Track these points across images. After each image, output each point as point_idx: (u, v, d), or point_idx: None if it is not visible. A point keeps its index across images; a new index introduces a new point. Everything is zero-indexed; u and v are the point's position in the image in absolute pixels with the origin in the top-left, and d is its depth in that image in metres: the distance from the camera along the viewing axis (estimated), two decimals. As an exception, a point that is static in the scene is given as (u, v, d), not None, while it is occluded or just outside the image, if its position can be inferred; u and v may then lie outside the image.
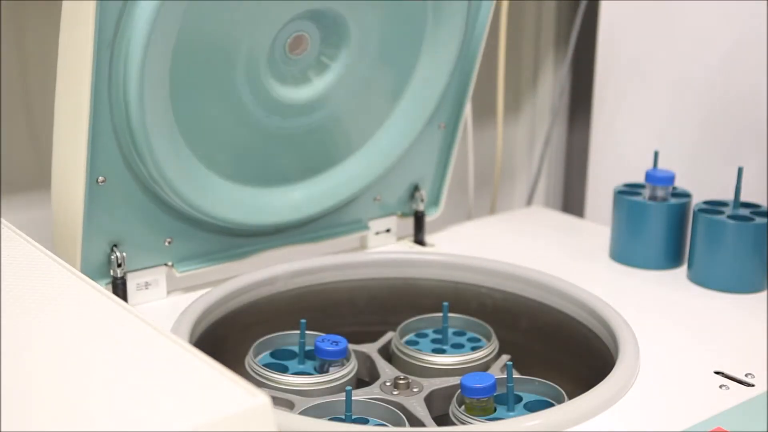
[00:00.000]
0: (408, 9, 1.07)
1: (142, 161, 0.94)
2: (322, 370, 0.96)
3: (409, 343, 1.04)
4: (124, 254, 0.98)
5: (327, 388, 0.94)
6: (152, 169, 0.95)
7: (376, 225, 1.20)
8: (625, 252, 1.14)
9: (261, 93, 1.01)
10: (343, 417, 0.88)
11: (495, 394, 0.89)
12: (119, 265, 0.98)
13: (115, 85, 0.90)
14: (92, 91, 0.89)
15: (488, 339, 1.04)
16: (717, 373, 0.88)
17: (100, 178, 0.94)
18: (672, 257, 1.13)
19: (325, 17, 1.02)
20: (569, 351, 1.05)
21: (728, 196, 1.10)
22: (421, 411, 0.91)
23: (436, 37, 1.09)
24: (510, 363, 0.90)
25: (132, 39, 0.88)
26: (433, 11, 1.08)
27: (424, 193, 1.21)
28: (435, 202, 1.24)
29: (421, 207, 1.21)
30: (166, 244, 1.02)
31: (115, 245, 0.98)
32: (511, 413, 0.89)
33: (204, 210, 1.01)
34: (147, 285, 1.02)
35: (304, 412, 0.88)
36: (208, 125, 0.99)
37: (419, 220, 1.22)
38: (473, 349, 1.03)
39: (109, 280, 0.99)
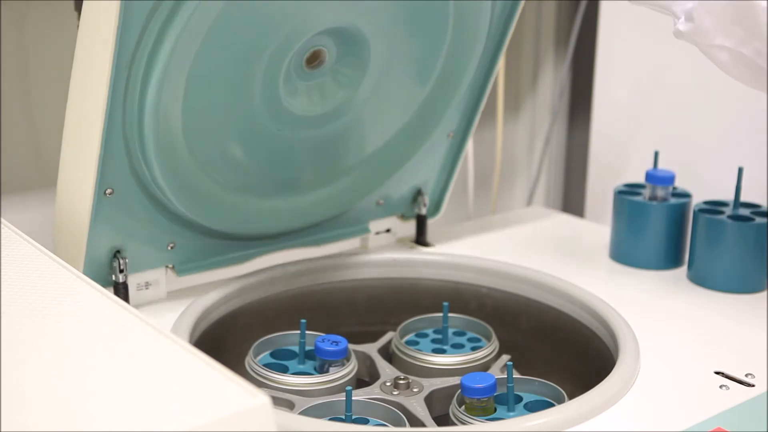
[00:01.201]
0: (429, 27, 1.05)
1: (151, 174, 0.93)
2: (322, 370, 0.96)
3: (409, 343, 1.04)
4: (126, 260, 0.98)
5: (327, 388, 0.94)
6: (160, 181, 0.94)
7: (377, 225, 1.19)
8: (625, 252, 1.14)
9: (275, 107, 0.99)
10: (343, 417, 0.88)
11: (495, 394, 0.89)
12: (121, 271, 0.98)
13: (130, 100, 0.89)
14: (107, 111, 0.87)
15: (488, 339, 1.04)
16: (717, 373, 0.88)
17: (108, 190, 0.93)
18: (672, 257, 1.13)
19: (345, 34, 0.99)
20: (569, 351, 1.06)
21: (728, 196, 1.10)
22: (421, 411, 0.91)
23: (454, 53, 1.08)
24: (510, 363, 0.90)
25: (153, 60, 0.86)
26: (453, 30, 1.06)
27: (426, 198, 1.21)
28: (436, 206, 1.23)
29: (423, 211, 1.21)
30: (169, 248, 1.02)
31: (118, 251, 0.98)
32: (511, 413, 0.89)
33: (212, 222, 1.01)
34: (147, 285, 1.02)
35: (304, 412, 0.88)
36: (219, 139, 0.98)
37: (421, 223, 1.21)
38: (473, 349, 1.03)
39: (111, 285, 0.98)
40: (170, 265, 1.03)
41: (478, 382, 0.88)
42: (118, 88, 0.87)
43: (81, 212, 0.93)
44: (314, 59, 1.00)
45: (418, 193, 1.20)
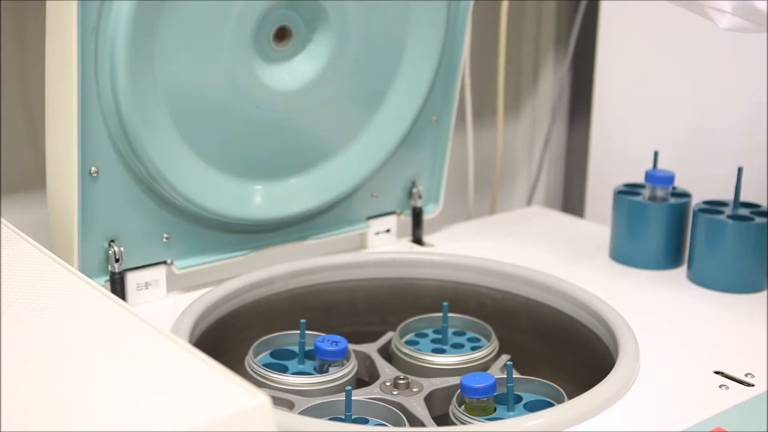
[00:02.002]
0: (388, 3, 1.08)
1: (134, 151, 0.94)
2: (322, 370, 0.96)
3: (409, 343, 1.04)
4: (122, 249, 0.98)
5: (327, 388, 0.94)
6: (144, 159, 0.95)
7: (376, 225, 1.20)
8: (625, 252, 1.14)
9: (249, 83, 1.01)
10: (343, 417, 0.88)
11: (495, 394, 0.89)
12: (117, 260, 0.98)
13: (101, 74, 0.91)
14: (79, 80, 0.89)
15: (488, 339, 1.04)
16: (717, 372, 0.88)
17: (93, 169, 0.94)
18: (672, 257, 1.13)
19: (302, 6, 1.02)
20: (569, 351, 1.05)
21: (728, 196, 1.10)
22: (421, 411, 0.91)
23: (419, 28, 1.10)
24: (510, 363, 0.90)
25: (117, 24, 0.89)
26: (413, 7, 1.08)
27: (421, 189, 1.21)
28: (434, 197, 1.23)
29: (418, 203, 1.21)
30: (164, 240, 1.02)
31: (112, 241, 0.98)
32: (511, 413, 0.89)
33: (196, 202, 1.01)
34: (147, 285, 1.02)
35: (304, 412, 0.88)
36: (199, 116, 1.00)
37: (417, 216, 1.22)
38: (473, 349, 1.03)
39: (108, 276, 0.99)
40: (169, 261, 1.03)
41: (478, 382, 0.88)
42: (87, 55, 0.89)
43: (69, 194, 0.93)
44: (282, 36, 1.03)
45: (412, 185, 1.21)
